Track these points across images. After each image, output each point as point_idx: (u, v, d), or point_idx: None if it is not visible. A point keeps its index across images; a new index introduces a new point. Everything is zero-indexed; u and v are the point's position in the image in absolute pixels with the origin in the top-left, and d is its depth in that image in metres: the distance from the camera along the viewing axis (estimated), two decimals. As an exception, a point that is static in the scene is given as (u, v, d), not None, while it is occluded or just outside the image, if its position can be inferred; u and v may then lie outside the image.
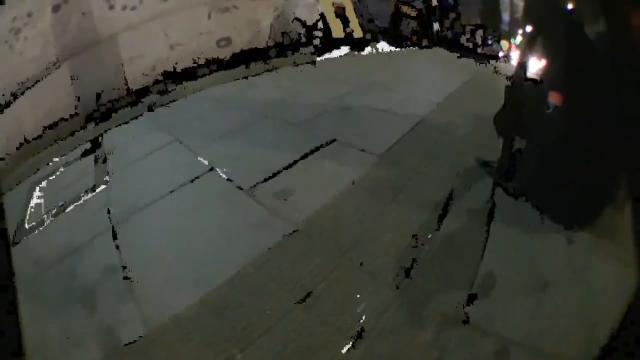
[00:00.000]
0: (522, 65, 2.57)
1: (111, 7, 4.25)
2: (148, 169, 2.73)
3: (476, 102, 3.79)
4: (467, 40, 6.97)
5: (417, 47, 5.02)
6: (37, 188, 3.26)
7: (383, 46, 4.65)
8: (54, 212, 2.78)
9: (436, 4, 6.14)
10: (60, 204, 2.85)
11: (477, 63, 5.34)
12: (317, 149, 2.64)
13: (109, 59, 4.00)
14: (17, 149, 3.96)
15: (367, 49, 4.43)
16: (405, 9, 5.11)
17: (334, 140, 2.74)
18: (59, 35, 4.23)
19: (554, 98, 2.34)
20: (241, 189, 2.37)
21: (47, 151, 3.80)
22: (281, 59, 3.88)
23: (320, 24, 4.14)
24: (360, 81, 3.70)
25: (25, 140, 4.00)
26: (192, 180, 2.52)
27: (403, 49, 4.81)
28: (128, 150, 3.02)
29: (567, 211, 2.27)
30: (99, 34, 4.14)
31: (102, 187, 2.75)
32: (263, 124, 3.04)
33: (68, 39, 4.19)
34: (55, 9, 4.36)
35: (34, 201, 3.13)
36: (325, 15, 4.17)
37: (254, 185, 2.37)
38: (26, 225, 2.92)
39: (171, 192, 2.46)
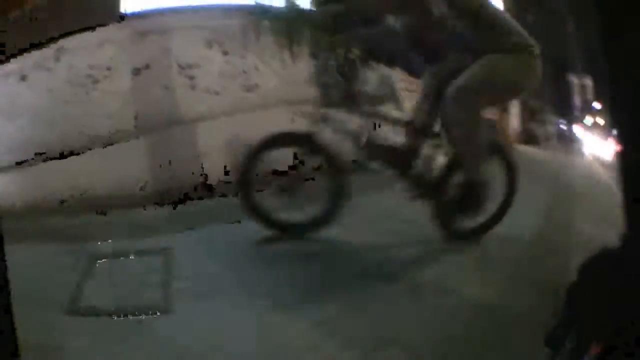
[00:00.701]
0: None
1: (193, 87, 4.22)
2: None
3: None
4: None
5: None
6: (97, 264, 3.14)
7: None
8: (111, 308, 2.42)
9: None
10: (119, 305, 2.46)
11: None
12: None
13: (186, 145, 4.01)
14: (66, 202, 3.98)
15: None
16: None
17: None
18: (138, 103, 4.16)
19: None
20: None
21: (107, 219, 3.83)
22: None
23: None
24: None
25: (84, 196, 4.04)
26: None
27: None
28: (188, 280, 2.69)
29: None
30: (179, 115, 4.11)
31: (162, 317, 2.36)
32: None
33: (147, 110, 4.14)
34: (135, 71, 4.27)
35: (92, 280, 2.80)
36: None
37: None
38: (83, 302, 2.75)
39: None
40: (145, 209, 3.86)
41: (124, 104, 4.17)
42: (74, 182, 3.98)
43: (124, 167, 4.03)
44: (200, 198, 3.96)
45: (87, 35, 4.55)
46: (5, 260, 1.33)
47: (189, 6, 4.45)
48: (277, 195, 3.10)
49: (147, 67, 4.22)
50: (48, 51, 4.44)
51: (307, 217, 3.11)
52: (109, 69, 4.26)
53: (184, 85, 4.17)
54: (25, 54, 4.26)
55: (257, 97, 4.25)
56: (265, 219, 3.03)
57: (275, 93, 4.36)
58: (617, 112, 1.42)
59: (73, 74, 4.29)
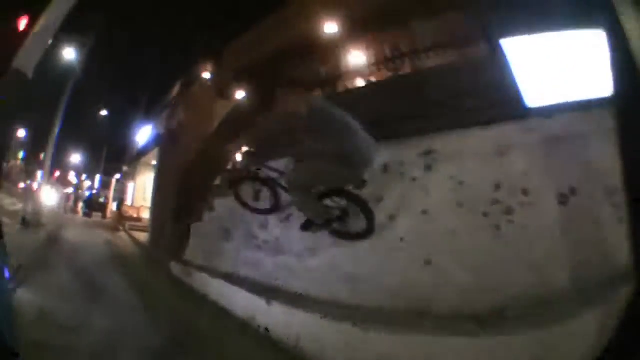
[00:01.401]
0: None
1: (620, 222, 3.21)
2: None
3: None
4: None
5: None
6: None
7: None
8: None
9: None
10: None
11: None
12: None
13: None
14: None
15: None
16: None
17: None
18: (569, 246, 3.18)
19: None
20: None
21: None
22: None
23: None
24: None
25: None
26: None
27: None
28: None
29: None
30: (615, 267, 2.78)
31: None
32: None
33: (578, 259, 3.12)
34: (562, 198, 3.33)
35: None
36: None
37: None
38: None
39: None
40: None
41: (549, 250, 3.22)
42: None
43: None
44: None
45: (472, 135, 3.70)
46: (7, 260, 1.32)
47: (596, 98, 3.15)
48: None
49: (572, 192, 3.29)
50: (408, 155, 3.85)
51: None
52: (525, 192, 3.43)
53: (612, 219, 3.01)
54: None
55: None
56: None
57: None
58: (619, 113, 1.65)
59: (464, 194, 3.53)
